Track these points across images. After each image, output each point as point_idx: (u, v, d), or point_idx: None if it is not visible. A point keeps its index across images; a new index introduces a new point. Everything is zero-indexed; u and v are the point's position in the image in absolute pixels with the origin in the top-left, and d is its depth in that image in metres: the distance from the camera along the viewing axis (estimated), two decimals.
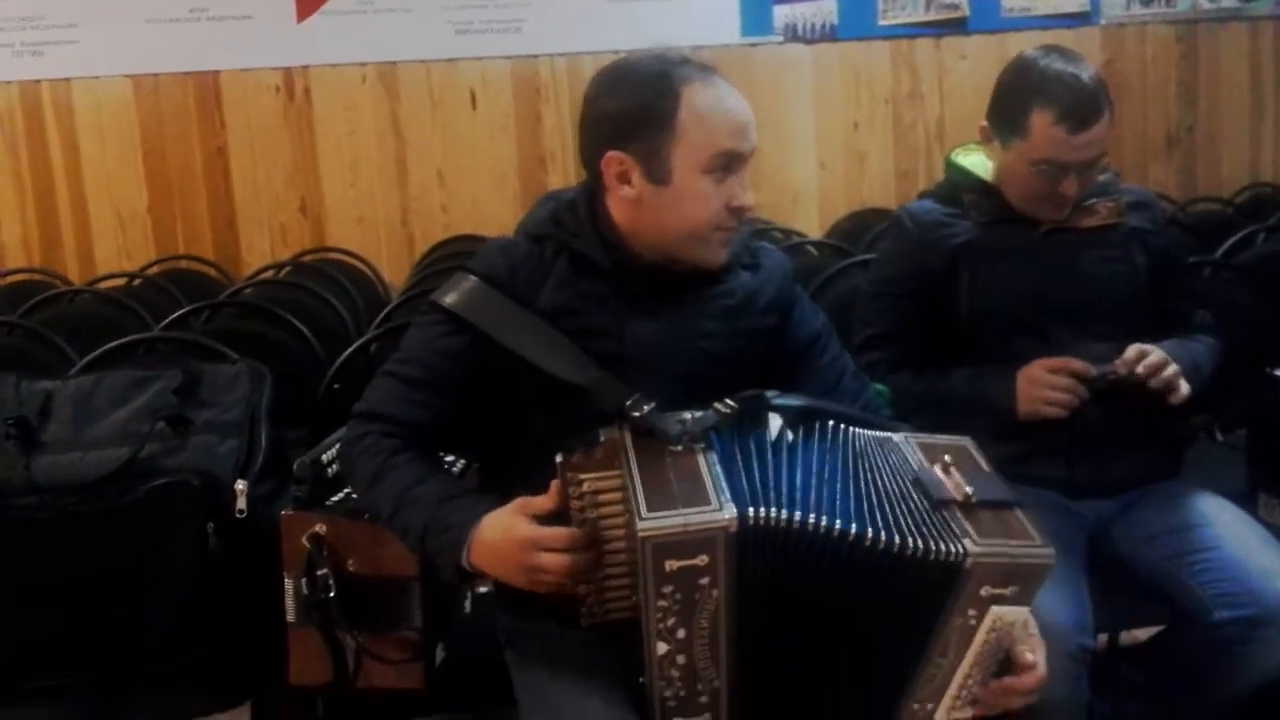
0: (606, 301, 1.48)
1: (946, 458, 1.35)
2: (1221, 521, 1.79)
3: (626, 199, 1.45)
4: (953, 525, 1.26)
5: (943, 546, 1.23)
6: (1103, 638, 1.98)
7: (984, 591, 1.24)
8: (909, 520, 1.26)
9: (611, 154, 1.44)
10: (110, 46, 4.61)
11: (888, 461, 1.36)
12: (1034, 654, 1.31)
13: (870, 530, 1.24)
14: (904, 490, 1.31)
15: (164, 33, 4.62)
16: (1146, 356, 1.76)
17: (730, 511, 1.20)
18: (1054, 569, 1.26)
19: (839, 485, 1.29)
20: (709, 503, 1.21)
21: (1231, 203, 4.84)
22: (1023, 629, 1.30)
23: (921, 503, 1.29)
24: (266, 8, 4.64)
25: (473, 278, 1.50)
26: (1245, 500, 2.04)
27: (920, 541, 1.23)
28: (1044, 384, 1.77)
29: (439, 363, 1.49)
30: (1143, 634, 1.99)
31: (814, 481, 1.28)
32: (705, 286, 1.52)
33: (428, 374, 1.49)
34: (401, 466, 1.46)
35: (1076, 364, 1.78)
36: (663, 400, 1.35)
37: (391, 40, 4.71)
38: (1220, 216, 4.55)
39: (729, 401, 1.34)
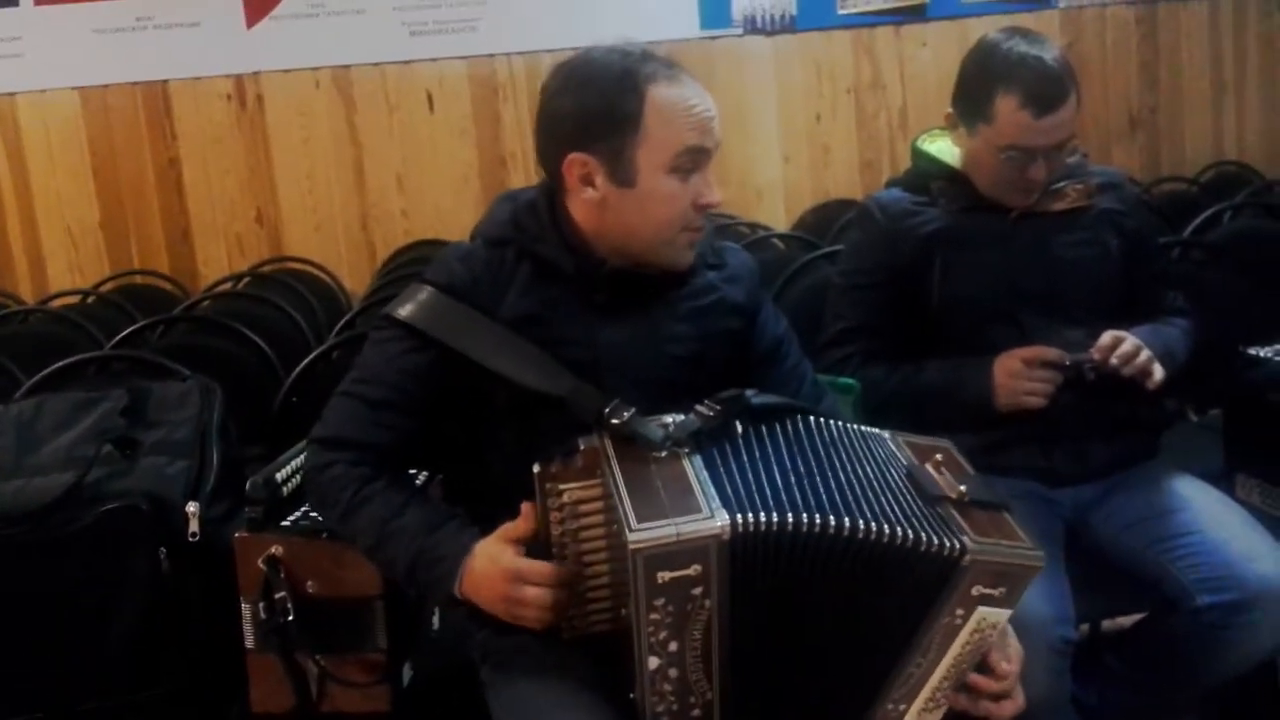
0: (574, 308, 1.43)
1: (938, 456, 1.33)
2: (1200, 505, 1.77)
3: (590, 201, 1.41)
4: (949, 522, 1.23)
5: (942, 541, 1.20)
6: (1084, 627, 1.96)
7: (975, 591, 1.21)
8: (903, 513, 1.23)
9: (574, 156, 1.39)
10: (55, 59, 4.52)
11: (873, 454, 1.32)
12: (1010, 663, 1.29)
13: (861, 522, 1.20)
14: (897, 484, 1.28)
15: (110, 43, 4.54)
16: (1120, 344, 1.73)
17: (723, 518, 1.15)
18: (1042, 571, 1.24)
19: (822, 479, 1.25)
20: (699, 510, 1.16)
21: (1196, 182, 4.86)
22: (1000, 633, 1.27)
23: (915, 498, 1.26)
24: (215, 14, 4.57)
25: (429, 288, 1.44)
26: (1222, 480, 2.03)
27: (917, 534, 1.20)
28: (1022, 375, 1.74)
29: (402, 381, 1.43)
30: (1125, 621, 1.97)
31: (795, 479, 1.24)
32: (671, 289, 1.48)
33: (391, 394, 1.43)
34: (377, 496, 1.41)
35: (1051, 353, 1.75)
36: (634, 405, 1.31)
37: (344, 43, 4.64)
38: (1186, 196, 4.57)
39: (710, 403, 1.30)
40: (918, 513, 1.23)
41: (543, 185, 1.49)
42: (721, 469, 1.24)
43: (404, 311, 1.43)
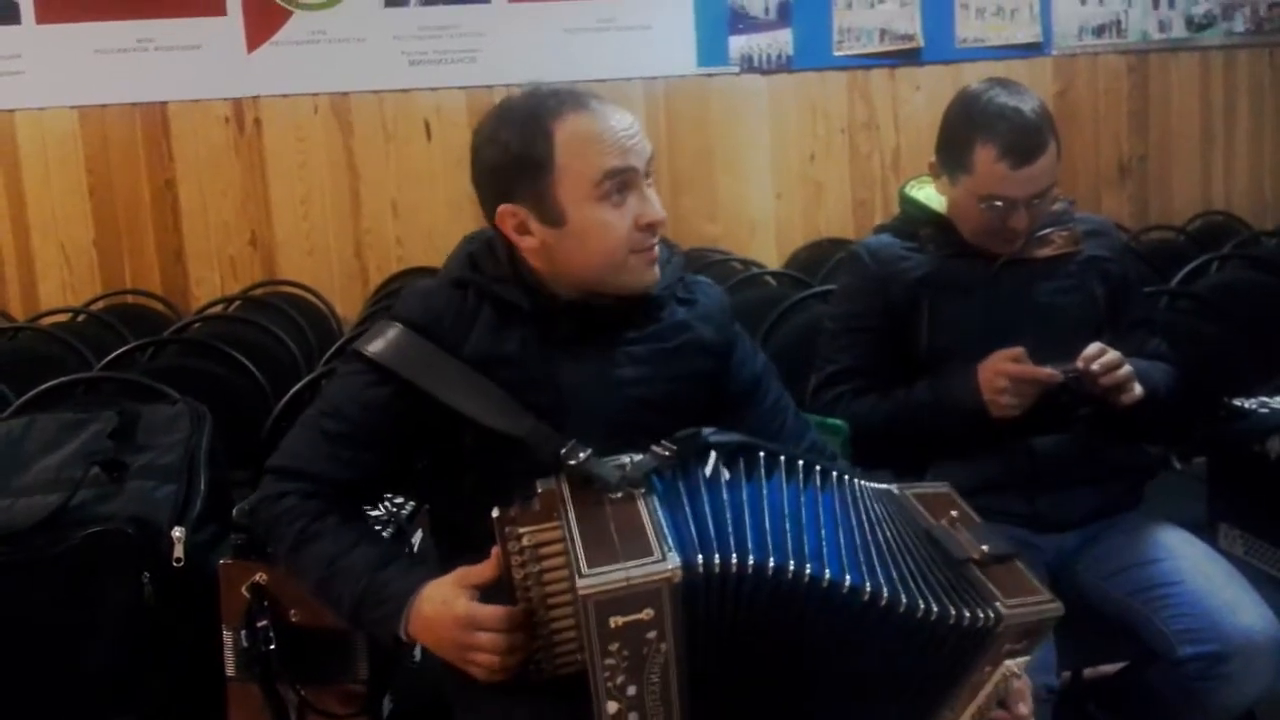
0: (536, 349, 1.42)
1: (953, 513, 1.33)
2: (1184, 555, 1.78)
3: (533, 249, 1.40)
4: (979, 588, 1.24)
5: (979, 613, 1.21)
6: (1065, 674, 1.96)
7: (1005, 649, 1.24)
8: (935, 583, 1.24)
9: (503, 208, 1.39)
10: (55, 77, 4.53)
11: (888, 512, 1.32)
12: (1026, 704, 1.31)
13: (890, 590, 1.20)
14: (920, 548, 1.28)
15: (111, 63, 4.55)
16: (1105, 354, 1.73)
17: (674, 561, 1.13)
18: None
19: (833, 531, 1.24)
20: (651, 553, 1.15)
21: (1184, 231, 4.91)
22: (1015, 675, 1.28)
23: (942, 563, 1.27)
24: (216, 38, 4.59)
25: (397, 325, 1.43)
26: (1204, 530, 2.04)
27: (953, 608, 1.21)
28: (1009, 391, 1.73)
29: (363, 416, 1.42)
30: (1106, 668, 1.97)
31: (777, 523, 1.22)
32: (637, 326, 1.46)
33: (350, 428, 1.42)
34: (328, 532, 1.39)
35: (1042, 374, 1.73)
36: (601, 449, 1.29)
37: (344, 71, 4.66)
38: (1173, 245, 4.61)
39: (666, 443, 1.28)
40: (946, 582, 1.24)
41: None
42: (689, 508, 1.23)
43: (371, 347, 1.42)
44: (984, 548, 1.27)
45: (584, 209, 1.37)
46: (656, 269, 1.44)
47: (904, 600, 1.19)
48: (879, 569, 1.22)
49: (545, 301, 1.42)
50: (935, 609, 1.20)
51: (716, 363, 1.51)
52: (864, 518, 1.30)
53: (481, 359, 1.40)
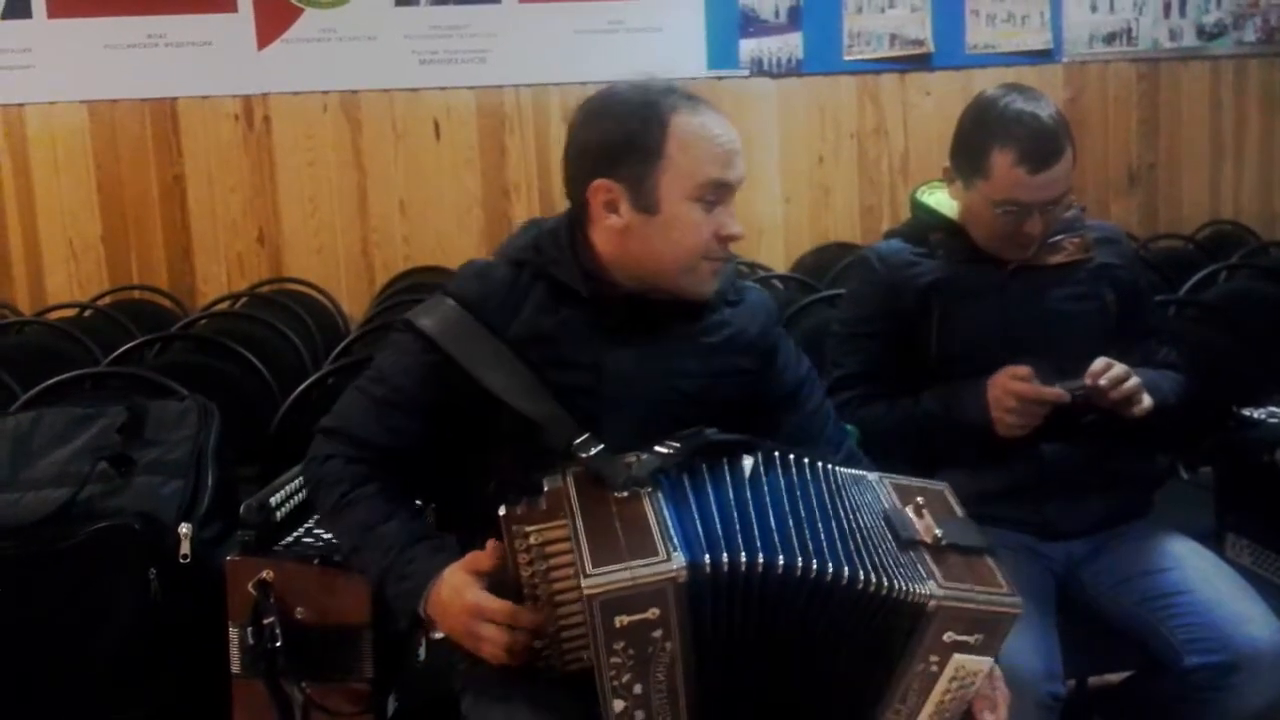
0: (584, 332, 1.44)
1: (919, 499, 1.33)
2: (1192, 564, 1.78)
3: (613, 229, 1.42)
4: (919, 566, 1.24)
5: (906, 586, 1.21)
6: (1071, 683, 1.95)
7: (947, 637, 1.22)
8: (874, 557, 1.25)
9: (598, 182, 1.42)
10: (66, 72, 4.55)
11: (853, 496, 1.34)
12: (994, 713, 1.29)
13: (835, 566, 1.22)
14: (873, 527, 1.30)
15: (121, 59, 4.57)
16: (1111, 369, 1.74)
17: (679, 561, 1.15)
18: (1021, 619, 1.24)
19: (813, 525, 1.26)
20: (656, 553, 1.16)
21: (1193, 240, 4.90)
22: (987, 682, 1.27)
23: (889, 541, 1.27)
24: (226, 34, 4.60)
25: (450, 300, 1.47)
26: (1212, 540, 2.03)
27: (883, 579, 1.22)
28: (1016, 411, 1.74)
29: (408, 385, 1.46)
30: (1113, 677, 1.97)
31: (780, 520, 1.25)
32: (686, 322, 1.49)
33: (396, 395, 1.46)
34: (366, 500, 1.43)
35: (1050, 394, 1.74)
36: (636, 438, 1.32)
37: (354, 69, 4.67)
38: (1182, 254, 4.60)
39: (670, 442, 1.31)
40: (887, 557, 1.25)
41: (567, 214, 1.51)
42: (695, 506, 1.25)
43: (421, 319, 1.46)
44: (937, 532, 1.27)
45: (679, 205, 1.40)
46: (717, 281, 1.48)
47: (886, 583, 1.22)
48: (867, 558, 1.24)
49: (603, 289, 1.45)
50: (860, 576, 1.22)
51: (759, 361, 1.54)
52: (846, 506, 1.32)
53: (526, 337, 1.43)
